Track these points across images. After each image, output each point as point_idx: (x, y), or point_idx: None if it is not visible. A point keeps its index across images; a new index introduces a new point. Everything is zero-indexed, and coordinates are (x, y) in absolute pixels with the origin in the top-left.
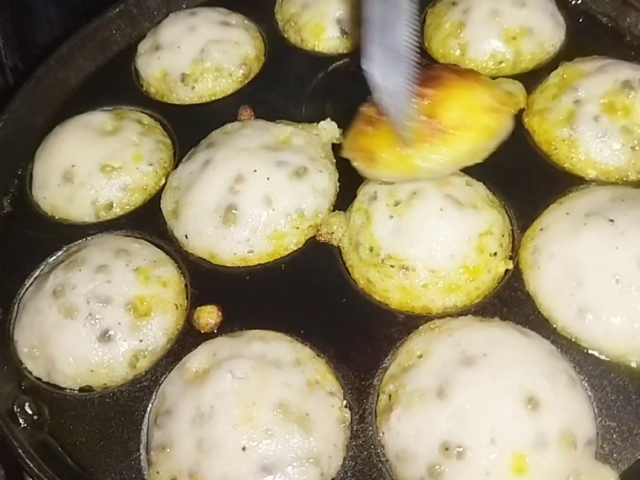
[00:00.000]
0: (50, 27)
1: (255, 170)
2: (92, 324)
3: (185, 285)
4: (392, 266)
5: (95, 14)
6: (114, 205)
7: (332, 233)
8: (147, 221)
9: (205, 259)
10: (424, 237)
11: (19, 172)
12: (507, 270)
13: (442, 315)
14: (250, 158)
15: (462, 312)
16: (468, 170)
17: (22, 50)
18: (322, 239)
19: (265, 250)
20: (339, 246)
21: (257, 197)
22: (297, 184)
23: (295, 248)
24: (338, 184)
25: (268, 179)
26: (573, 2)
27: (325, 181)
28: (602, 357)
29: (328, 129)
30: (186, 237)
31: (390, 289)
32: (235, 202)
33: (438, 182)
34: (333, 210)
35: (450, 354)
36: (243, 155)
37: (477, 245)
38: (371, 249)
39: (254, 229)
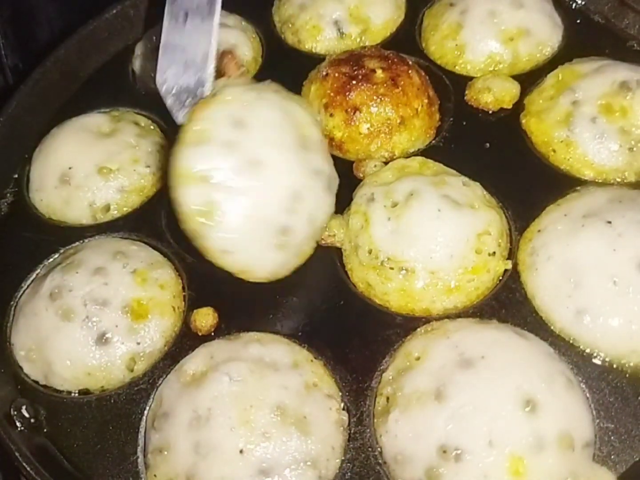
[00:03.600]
0: (51, 27)
1: None
2: (89, 327)
3: (183, 288)
4: (391, 268)
5: (95, 14)
6: (111, 207)
7: (334, 236)
8: (144, 223)
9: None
10: (423, 238)
11: (16, 174)
12: (506, 271)
13: (441, 317)
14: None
15: (460, 314)
16: (465, 171)
17: (22, 50)
18: (325, 242)
19: (295, 265)
20: (339, 249)
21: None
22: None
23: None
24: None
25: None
26: (572, 4)
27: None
28: (600, 359)
29: None
30: None
31: (390, 292)
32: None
33: (435, 183)
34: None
35: (448, 356)
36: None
37: (476, 245)
38: (370, 252)
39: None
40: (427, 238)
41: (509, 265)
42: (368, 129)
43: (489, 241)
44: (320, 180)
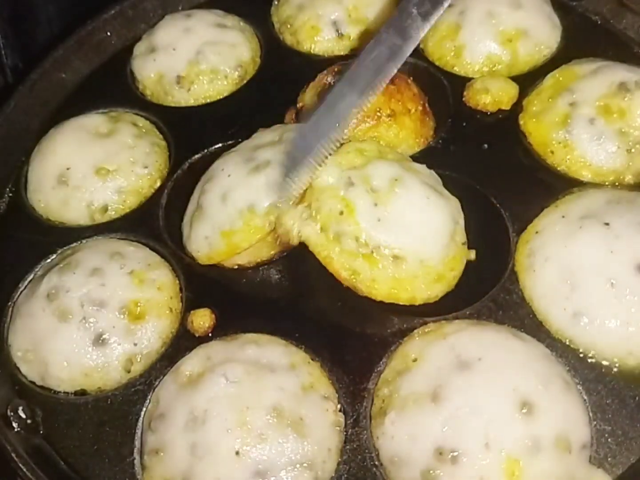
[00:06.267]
0: (50, 27)
1: (222, 169)
2: (86, 328)
3: (180, 289)
4: (381, 256)
5: (95, 14)
6: (109, 208)
7: (290, 231)
8: (141, 224)
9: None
10: (415, 226)
11: (14, 175)
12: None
13: (437, 319)
14: (229, 158)
15: (457, 316)
16: (463, 172)
17: (21, 50)
18: (282, 240)
19: (221, 249)
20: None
21: (216, 195)
22: (253, 178)
23: (247, 246)
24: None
25: (229, 176)
26: (571, 5)
27: None
28: (597, 361)
29: None
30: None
31: (378, 279)
32: (201, 201)
33: (409, 169)
34: None
35: (445, 358)
36: (227, 157)
37: (454, 234)
38: (357, 239)
39: (212, 226)
40: (419, 225)
41: (472, 255)
42: None
43: (459, 230)
44: None
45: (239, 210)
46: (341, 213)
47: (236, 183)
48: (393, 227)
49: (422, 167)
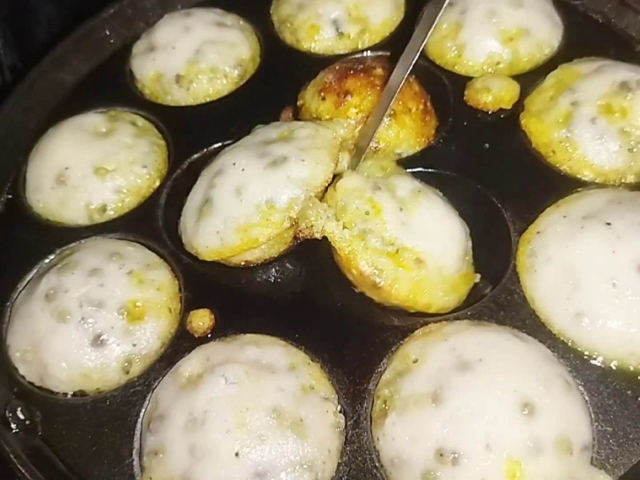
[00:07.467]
0: (49, 26)
1: (234, 163)
2: (84, 328)
3: (179, 289)
4: (404, 257)
5: (94, 13)
6: (108, 208)
7: (312, 226)
8: (140, 224)
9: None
10: (436, 235)
11: (13, 175)
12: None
13: (438, 319)
14: (237, 152)
15: (458, 317)
16: (464, 171)
17: (20, 49)
18: (304, 234)
19: (234, 243)
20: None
21: (228, 189)
22: (270, 173)
23: (265, 241)
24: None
25: (243, 170)
26: (573, 3)
27: (305, 171)
28: (599, 362)
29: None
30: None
31: (400, 279)
32: (211, 195)
33: (427, 187)
34: None
35: (446, 359)
36: (235, 151)
37: (467, 251)
38: (382, 237)
39: (224, 220)
40: (440, 235)
41: (477, 278)
42: (356, 113)
43: (469, 250)
44: None
45: (256, 205)
46: (367, 213)
47: (252, 177)
48: (417, 232)
49: (436, 190)
